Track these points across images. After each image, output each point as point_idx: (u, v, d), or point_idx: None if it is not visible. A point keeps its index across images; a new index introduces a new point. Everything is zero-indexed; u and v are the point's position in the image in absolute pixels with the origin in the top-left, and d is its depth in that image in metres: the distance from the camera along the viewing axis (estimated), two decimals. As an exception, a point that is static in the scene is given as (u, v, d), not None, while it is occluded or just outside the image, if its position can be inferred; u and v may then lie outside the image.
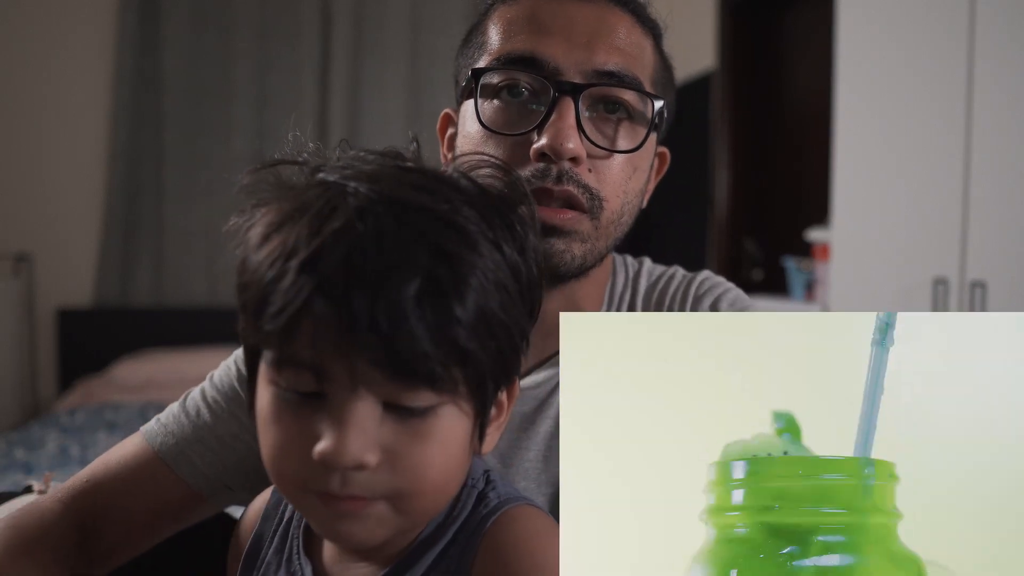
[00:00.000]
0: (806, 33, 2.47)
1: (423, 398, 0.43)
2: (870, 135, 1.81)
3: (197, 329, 3.08)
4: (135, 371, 2.85)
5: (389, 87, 3.27)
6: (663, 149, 0.70)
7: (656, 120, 0.62)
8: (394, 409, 0.43)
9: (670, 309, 0.67)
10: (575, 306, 0.66)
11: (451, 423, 0.44)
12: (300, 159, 0.47)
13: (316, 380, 0.42)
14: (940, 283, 1.63)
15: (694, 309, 0.67)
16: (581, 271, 0.62)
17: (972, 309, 1.57)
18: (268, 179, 0.47)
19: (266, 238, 0.43)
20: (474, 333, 0.42)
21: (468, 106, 0.63)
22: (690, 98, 2.71)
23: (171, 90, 3.19)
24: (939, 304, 1.62)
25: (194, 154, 3.20)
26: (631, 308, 0.69)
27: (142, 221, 3.20)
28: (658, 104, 0.62)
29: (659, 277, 0.70)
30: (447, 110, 0.70)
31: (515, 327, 0.45)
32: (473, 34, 0.66)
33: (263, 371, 0.45)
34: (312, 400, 0.43)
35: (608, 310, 0.69)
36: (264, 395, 0.45)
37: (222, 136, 3.21)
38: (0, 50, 3.10)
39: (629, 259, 0.73)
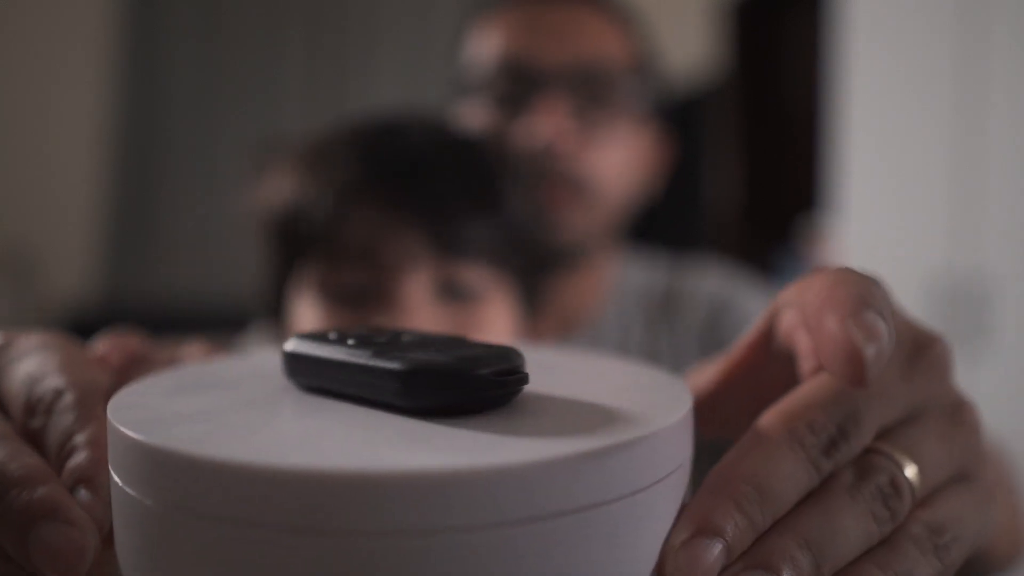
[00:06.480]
0: (805, 27, 2.47)
1: (472, 277, 0.44)
2: (871, 129, 1.80)
3: (198, 329, 3.08)
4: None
5: (389, 80, 3.27)
6: (665, 135, 0.72)
7: (635, 99, 0.66)
8: (447, 293, 0.44)
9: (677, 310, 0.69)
10: (580, 299, 0.67)
11: (501, 315, 0.45)
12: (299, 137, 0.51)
13: (368, 268, 0.43)
14: (942, 280, 1.63)
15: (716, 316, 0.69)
16: (585, 253, 0.65)
17: (976, 306, 1.57)
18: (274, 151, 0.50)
19: (303, 161, 0.46)
20: (514, 218, 0.45)
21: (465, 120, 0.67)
22: (687, 95, 2.70)
23: (171, 89, 3.19)
24: (941, 301, 1.62)
25: (194, 155, 3.19)
26: (636, 305, 0.70)
27: (142, 221, 3.21)
28: (634, 84, 0.66)
29: (671, 274, 0.72)
30: None
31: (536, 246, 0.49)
32: (458, 55, 0.71)
33: (304, 291, 0.46)
34: (360, 300, 0.43)
35: (615, 304, 0.70)
36: (307, 316, 0.45)
37: (222, 135, 3.21)
38: None
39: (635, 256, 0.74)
